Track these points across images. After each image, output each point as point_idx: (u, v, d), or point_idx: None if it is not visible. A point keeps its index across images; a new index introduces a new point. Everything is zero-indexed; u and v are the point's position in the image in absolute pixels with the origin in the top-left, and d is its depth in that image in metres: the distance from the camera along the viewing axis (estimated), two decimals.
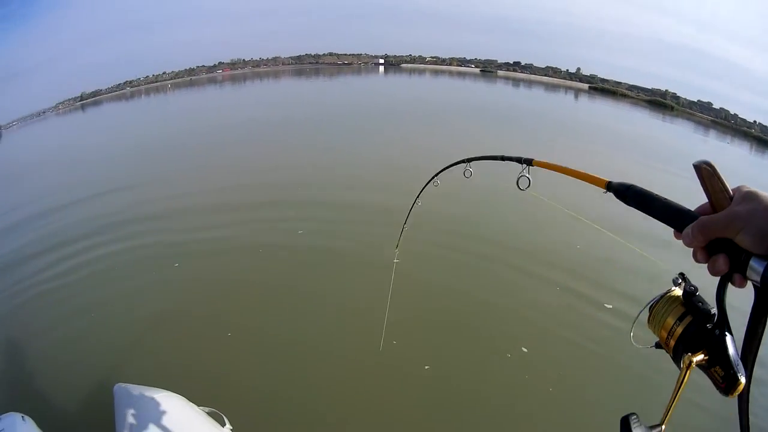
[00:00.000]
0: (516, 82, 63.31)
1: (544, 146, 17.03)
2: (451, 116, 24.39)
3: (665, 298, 1.00)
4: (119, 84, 57.99)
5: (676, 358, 0.95)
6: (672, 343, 0.95)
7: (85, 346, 5.96)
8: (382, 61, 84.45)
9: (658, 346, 1.04)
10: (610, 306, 6.50)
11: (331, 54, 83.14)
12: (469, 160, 2.57)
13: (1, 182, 17.07)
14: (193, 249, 8.33)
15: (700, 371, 0.91)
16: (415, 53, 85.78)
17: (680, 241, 0.89)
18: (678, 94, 57.69)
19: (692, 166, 0.86)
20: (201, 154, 16.69)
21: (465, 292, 6.85)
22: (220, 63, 72.79)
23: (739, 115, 44.81)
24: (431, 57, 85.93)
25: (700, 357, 0.88)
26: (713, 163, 0.84)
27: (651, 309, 1.02)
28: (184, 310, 6.47)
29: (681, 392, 0.91)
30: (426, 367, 5.40)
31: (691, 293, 0.95)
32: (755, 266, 0.77)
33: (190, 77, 67.18)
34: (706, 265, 0.84)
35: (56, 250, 8.78)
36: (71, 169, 17.08)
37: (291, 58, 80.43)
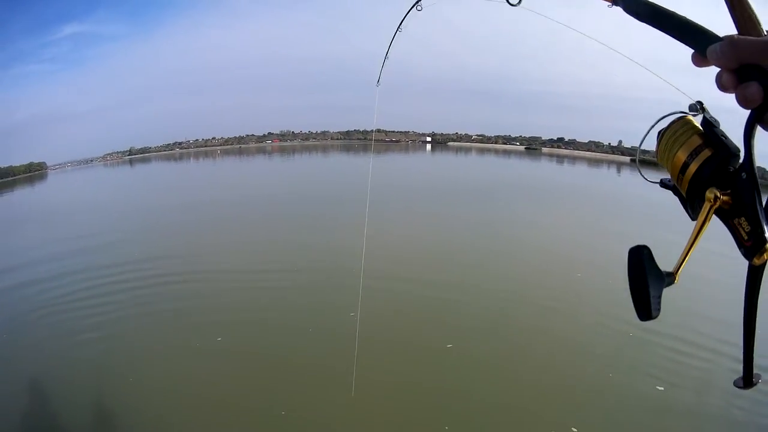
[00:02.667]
0: (560, 158, 63.11)
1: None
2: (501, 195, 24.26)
3: (678, 124, 0.81)
4: (169, 144, 57.74)
5: (691, 199, 0.79)
6: (685, 181, 0.79)
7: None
8: (429, 138, 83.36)
9: (664, 185, 0.87)
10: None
11: (379, 131, 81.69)
12: None
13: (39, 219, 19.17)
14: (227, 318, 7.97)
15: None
16: (461, 131, 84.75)
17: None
18: None
19: None
20: (248, 224, 16.07)
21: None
22: (269, 133, 71.96)
23: None
24: (477, 135, 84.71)
25: (726, 198, 0.73)
26: None
27: (660, 136, 0.83)
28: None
29: (700, 237, 0.76)
30: None
31: (712, 123, 0.79)
32: None
33: (240, 145, 66.30)
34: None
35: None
36: (109, 219, 17.85)
37: (340, 132, 79.14)
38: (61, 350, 6.96)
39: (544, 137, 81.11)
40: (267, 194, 22.91)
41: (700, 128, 0.78)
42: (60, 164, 44.86)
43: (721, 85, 0.70)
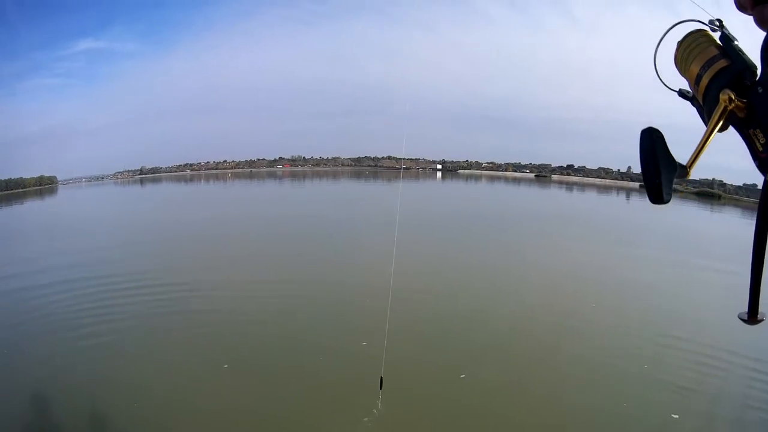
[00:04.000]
0: (570, 186, 63.38)
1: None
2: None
3: (694, 36, 0.83)
4: (180, 165, 57.83)
5: (708, 108, 0.80)
6: (701, 90, 0.81)
7: None
8: (439, 166, 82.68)
9: (682, 95, 0.89)
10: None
11: (389, 157, 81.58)
12: None
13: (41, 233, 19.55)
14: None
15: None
16: (472, 158, 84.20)
17: None
18: (725, 181, 57.74)
19: None
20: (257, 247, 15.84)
21: None
22: (280, 158, 72.14)
23: None
24: (487, 162, 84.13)
25: (741, 104, 0.75)
26: None
27: (678, 45, 0.86)
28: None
29: (713, 136, 0.78)
30: None
31: (730, 38, 0.80)
32: None
33: (251, 169, 66.43)
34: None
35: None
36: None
37: (350, 159, 79.12)
38: (66, 361, 6.98)
39: (554, 164, 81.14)
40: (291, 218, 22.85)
41: (718, 41, 0.79)
42: (71, 179, 45.32)
43: (739, 4, 0.69)
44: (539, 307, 10.08)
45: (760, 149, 0.72)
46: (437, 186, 58.87)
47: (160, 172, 53.38)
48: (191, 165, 58.48)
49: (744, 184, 55.78)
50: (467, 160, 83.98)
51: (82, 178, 46.55)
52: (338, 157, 78.28)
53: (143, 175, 50.62)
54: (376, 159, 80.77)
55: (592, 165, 78.40)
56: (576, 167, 79.29)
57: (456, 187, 55.70)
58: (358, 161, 79.86)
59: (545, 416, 6.13)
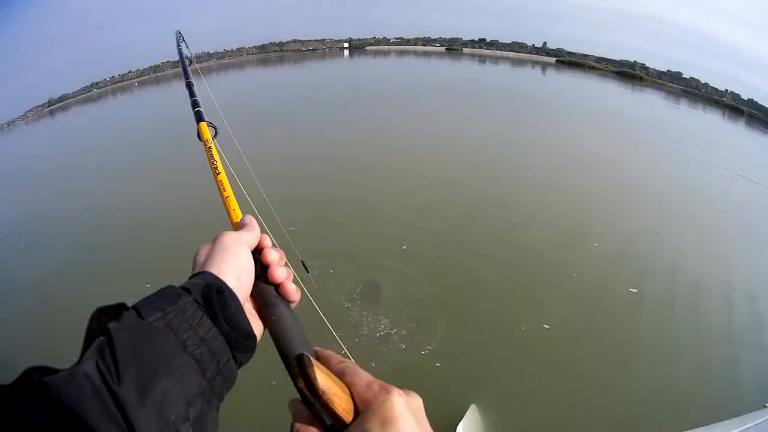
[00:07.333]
0: (482, 58, 62.20)
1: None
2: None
3: None
4: (86, 86, 58.75)
5: None
6: None
7: None
8: (346, 45, 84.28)
9: None
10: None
11: (295, 41, 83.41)
12: None
13: None
14: None
15: None
16: (379, 35, 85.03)
17: None
18: (647, 65, 55.30)
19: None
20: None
21: None
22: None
23: (711, 84, 42.21)
24: (395, 38, 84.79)
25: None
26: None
27: None
28: None
29: None
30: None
31: None
32: None
33: (156, 74, 67.79)
34: None
35: None
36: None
37: (255, 47, 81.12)
38: None
39: (465, 38, 77.24)
40: None
41: None
42: None
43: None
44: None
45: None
46: (346, 64, 59.29)
47: (67, 99, 55.11)
48: (97, 83, 60.71)
49: (668, 71, 53.31)
50: (374, 37, 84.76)
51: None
52: (242, 47, 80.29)
53: (52, 107, 51.77)
54: (281, 44, 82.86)
55: (505, 39, 73.63)
56: (489, 41, 74.62)
57: (366, 64, 55.17)
58: (263, 48, 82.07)
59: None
